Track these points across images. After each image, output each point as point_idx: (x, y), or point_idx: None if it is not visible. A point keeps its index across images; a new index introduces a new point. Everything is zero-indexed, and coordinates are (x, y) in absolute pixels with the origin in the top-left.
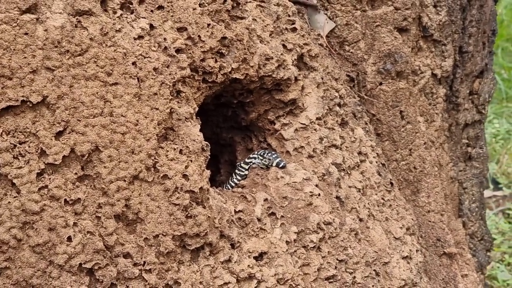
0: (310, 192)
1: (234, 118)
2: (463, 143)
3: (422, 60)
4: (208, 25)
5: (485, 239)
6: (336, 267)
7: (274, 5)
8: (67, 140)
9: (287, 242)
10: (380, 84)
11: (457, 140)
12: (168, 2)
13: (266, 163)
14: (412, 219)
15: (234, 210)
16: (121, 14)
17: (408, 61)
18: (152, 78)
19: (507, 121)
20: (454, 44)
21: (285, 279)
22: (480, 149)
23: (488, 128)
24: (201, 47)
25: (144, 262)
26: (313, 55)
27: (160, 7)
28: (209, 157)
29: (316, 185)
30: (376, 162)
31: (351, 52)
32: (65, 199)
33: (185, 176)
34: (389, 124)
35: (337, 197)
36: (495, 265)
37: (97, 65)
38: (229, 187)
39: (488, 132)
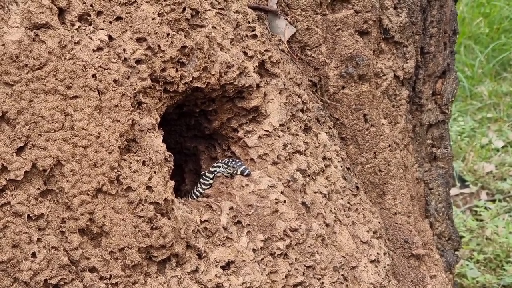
0: (276, 199)
1: (197, 127)
2: (428, 143)
3: (384, 62)
4: (168, 34)
5: (452, 239)
6: (304, 274)
7: (234, 12)
8: (28, 156)
9: (254, 250)
10: (343, 88)
11: (422, 141)
12: (126, 13)
13: (231, 172)
14: (379, 222)
15: (200, 220)
16: (79, 26)
17: (370, 64)
18: (112, 90)
19: (472, 119)
20: (415, 45)
21: None
22: (445, 149)
23: (453, 126)
24: (161, 57)
25: (110, 276)
26: (275, 61)
27: (119, 18)
28: (172, 167)
29: (281, 192)
30: (341, 166)
31: (313, 57)
32: (28, 215)
33: (149, 188)
34: (353, 127)
35: (303, 203)
36: (464, 263)
37: (56, 79)
38: (194, 197)
39: (453, 130)
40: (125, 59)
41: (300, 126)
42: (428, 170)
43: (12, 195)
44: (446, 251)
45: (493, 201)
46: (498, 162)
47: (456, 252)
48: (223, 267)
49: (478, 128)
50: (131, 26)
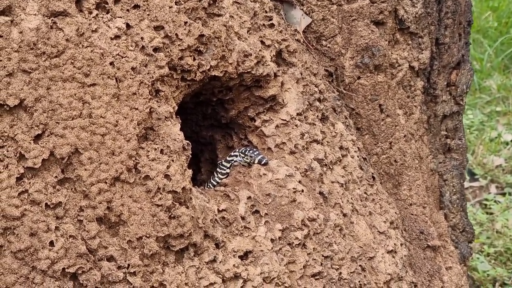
0: (293, 188)
1: (214, 116)
2: (442, 134)
3: (399, 53)
4: (185, 23)
5: (466, 231)
6: (321, 264)
7: (251, 1)
8: (46, 143)
9: (272, 240)
10: (359, 78)
11: (436, 132)
12: (144, 1)
13: (248, 161)
14: (396, 212)
15: (218, 209)
16: (96, 14)
17: (385, 54)
18: (130, 78)
19: (481, 112)
20: (430, 36)
21: (271, 278)
22: (459, 141)
23: None
24: (178, 45)
25: (128, 265)
26: (292, 50)
27: (136, 6)
28: (190, 156)
29: (299, 181)
30: (358, 156)
31: (329, 47)
32: (46, 203)
33: (167, 176)
34: (369, 117)
35: (321, 193)
36: (475, 256)
37: (74, 66)
38: (211, 186)
39: None
40: (143, 47)
41: (317, 116)
42: (442, 161)
43: (30, 183)
44: (460, 243)
45: (503, 194)
46: (508, 156)
47: (470, 244)
48: (241, 257)
49: (487, 121)
50: (148, 14)
